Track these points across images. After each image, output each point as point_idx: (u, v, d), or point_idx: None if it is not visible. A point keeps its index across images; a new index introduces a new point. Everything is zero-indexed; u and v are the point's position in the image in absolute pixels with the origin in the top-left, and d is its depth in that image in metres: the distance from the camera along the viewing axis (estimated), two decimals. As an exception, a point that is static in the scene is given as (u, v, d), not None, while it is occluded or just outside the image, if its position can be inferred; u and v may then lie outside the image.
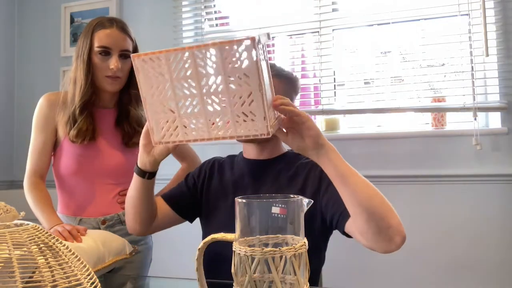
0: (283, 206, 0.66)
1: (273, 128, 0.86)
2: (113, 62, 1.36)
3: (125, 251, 1.26)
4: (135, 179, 1.11)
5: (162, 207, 1.22)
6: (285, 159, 1.20)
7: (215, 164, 1.27)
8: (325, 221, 1.08)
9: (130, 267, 1.41)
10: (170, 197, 1.24)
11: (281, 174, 1.17)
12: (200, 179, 1.25)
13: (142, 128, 1.45)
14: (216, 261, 1.03)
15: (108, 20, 1.40)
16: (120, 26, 1.39)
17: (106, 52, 1.36)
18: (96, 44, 1.36)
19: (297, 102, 1.69)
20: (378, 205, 0.91)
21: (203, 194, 1.23)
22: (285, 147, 1.21)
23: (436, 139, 2.04)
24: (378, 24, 2.18)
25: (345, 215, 0.99)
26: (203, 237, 1.17)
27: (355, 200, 0.91)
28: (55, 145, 1.44)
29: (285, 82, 1.16)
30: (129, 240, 1.33)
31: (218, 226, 1.11)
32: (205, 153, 1.60)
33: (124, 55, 1.39)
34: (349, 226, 0.99)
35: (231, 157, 1.28)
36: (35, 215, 1.34)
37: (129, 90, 1.45)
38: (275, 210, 0.66)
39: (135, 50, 1.44)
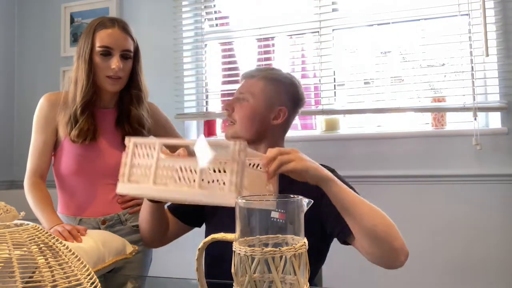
0: (282, 211, 0.66)
1: (276, 189, 0.95)
2: (115, 62, 1.36)
3: (125, 251, 1.26)
4: (146, 204, 1.15)
5: (170, 219, 1.25)
6: None
7: None
8: (324, 228, 1.10)
9: (130, 267, 1.40)
10: (174, 208, 1.27)
11: (282, 176, 1.17)
12: None
13: (143, 127, 1.46)
14: (216, 261, 1.03)
15: (110, 20, 1.40)
16: (122, 26, 1.39)
17: (107, 52, 1.36)
18: (97, 44, 1.36)
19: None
20: (383, 231, 0.94)
21: None
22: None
23: (436, 139, 2.04)
24: (378, 24, 2.18)
25: (346, 232, 1.02)
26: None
27: (360, 228, 0.95)
28: (56, 145, 1.44)
29: (275, 85, 1.19)
30: (129, 240, 1.33)
31: (219, 226, 1.11)
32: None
33: (125, 55, 1.39)
34: (353, 243, 1.03)
35: None
36: (35, 215, 1.33)
37: (129, 90, 1.45)
38: (274, 214, 0.66)
39: (136, 50, 1.44)
